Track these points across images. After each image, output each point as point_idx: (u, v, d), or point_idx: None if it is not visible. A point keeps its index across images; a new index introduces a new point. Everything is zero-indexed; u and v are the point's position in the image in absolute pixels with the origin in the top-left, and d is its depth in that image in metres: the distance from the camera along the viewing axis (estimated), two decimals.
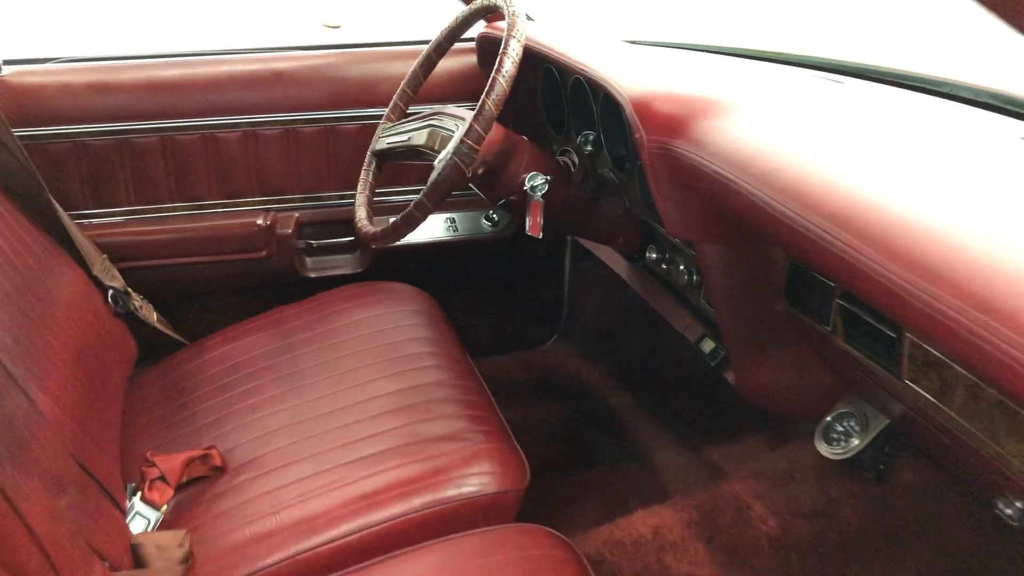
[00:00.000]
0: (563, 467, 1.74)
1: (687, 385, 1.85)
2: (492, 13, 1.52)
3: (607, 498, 1.62)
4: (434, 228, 1.94)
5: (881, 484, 1.33)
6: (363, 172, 1.58)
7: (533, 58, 1.58)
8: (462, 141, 1.29)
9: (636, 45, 1.71)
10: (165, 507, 1.28)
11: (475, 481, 1.24)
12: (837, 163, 0.91)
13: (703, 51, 1.58)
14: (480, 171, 1.44)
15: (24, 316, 1.30)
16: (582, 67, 1.40)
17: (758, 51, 1.48)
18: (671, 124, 1.13)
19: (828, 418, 1.20)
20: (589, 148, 1.54)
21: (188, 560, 1.16)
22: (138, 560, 1.14)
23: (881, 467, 1.31)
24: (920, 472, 1.34)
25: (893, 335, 0.92)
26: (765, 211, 0.93)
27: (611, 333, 2.09)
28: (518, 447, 1.33)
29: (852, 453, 1.16)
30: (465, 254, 2.02)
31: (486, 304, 2.10)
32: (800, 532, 1.34)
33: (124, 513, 1.23)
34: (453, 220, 1.96)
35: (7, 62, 1.72)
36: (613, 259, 1.79)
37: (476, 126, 1.29)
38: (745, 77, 1.34)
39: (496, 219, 1.94)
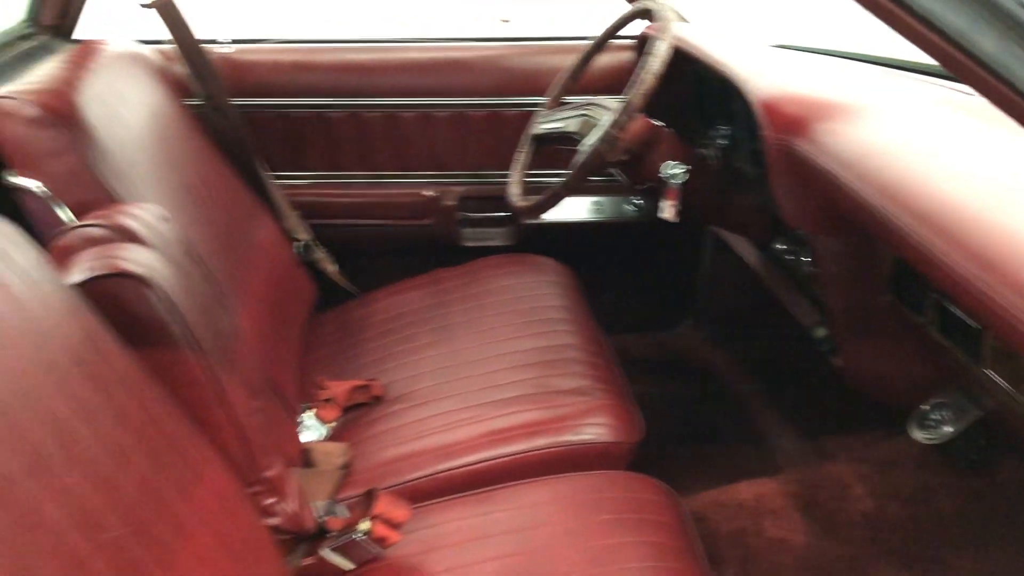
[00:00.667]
0: (679, 438, 1.88)
1: (805, 375, 1.94)
2: (647, 16, 1.67)
3: (716, 468, 1.74)
4: (580, 209, 2.11)
5: (974, 474, 1.40)
6: (520, 153, 1.77)
7: (683, 57, 1.72)
8: (608, 129, 1.45)
9: (782, 49, 1.81)
10: (332, 424, 1.53)
11: (592, 430, 1.41)
12: (933, 167, 1.01)
13: (844, 58, 1.66)
14: (624, 157, 1.60)
15: (233, 255, 1.57)
16: (724, 68, 1.53)
17: (898, 61, 1.56)
18: (794, 124, 1.25)
19: (925, 406, 1.29)
20: (724, 142, 1.66)
21: (347, 468, 1.39)
22: (307, 462, 1.38)
23: (973, 458, 1.38)
24: (1018, 469, 1.39)
25: (977, 326, 1.02)
26: (865, 207, 1.04)
27: (741, 321, 2.20)
28: (635, 406, 1.48)
29: (943, 440, 1.24)
30: (607, 235, 2.18)
31: (623, 284, 2.25)
32: (894, 514, 1.43)
33: (297, 424, 1.48)
34: (600, 203, 2.12)
35: (233, 41, 2.02)
36: (745, 249, 1.90)
37: (622, 116, 1.44)
38: (873, 84, 1.43)
39: (640, 205, 2.08)
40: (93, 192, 1.33)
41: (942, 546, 1.39)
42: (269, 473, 1.19)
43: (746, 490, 1.55)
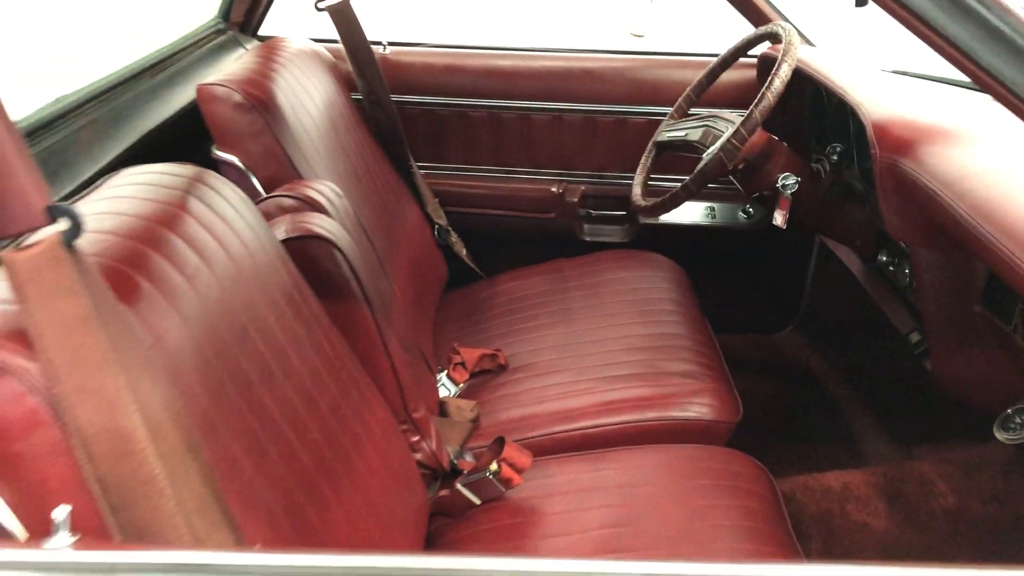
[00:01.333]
0: (774, 430, 2.01)
1: (897, 381, 2.04)
2: (774, 39, 1.81)
3: (806, 459, 1.87)
4: (695, 213, 2.26)
5: None
6: (644, 158, 1.93)
7: (803, 78, 1.86)
8: (729, 140, 1.61)
9: (895, 75, 1.92)
10: (462, 385, 1.73)
11: (696, 408, 1.57)
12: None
13: (952, 85, 1.77)
14: (740, 166, 1.75)
15: (386, 232, 1.80)
16: (841, 91, 1.66)
17: None
18: (902, 145, 1.38)
19: (1009, 410, 1.39)
20: (836, 158, 1.79)
21: (475, 422, 1.59)
22: (443, 413, 1.59)
23: None
24: None
25: None
26: (960, 223, 1.17)
27: (841, 328, 2.31)
28: (736, 391, 1.63)
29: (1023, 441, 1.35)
30: (719, 239, 2.32)
31: (731, 286, 2.39)
32: (975, 512, 1.53)
33: (436, 380, 1.69)
34: (713, 208, 2.26)
35: (390, 43, 2.26)
36: (851, 260, 2.02)
37: (743, 129, 1.60)
38: (976, 111, 1.53)
39: (752, 213, 2.22)
40: (282, 169, 1.57)
41: (1022, 547, 1.49)
42: (416, 415, 1.39)
43: (834, 479, 1.68)
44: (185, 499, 0.70)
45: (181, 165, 1.13)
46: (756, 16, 2.06)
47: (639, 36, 2.20)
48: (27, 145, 0.69)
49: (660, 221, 2.21)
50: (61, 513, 0.65)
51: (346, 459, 1.08)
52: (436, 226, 2.14)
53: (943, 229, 1.28)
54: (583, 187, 2.30)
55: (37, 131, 1.44)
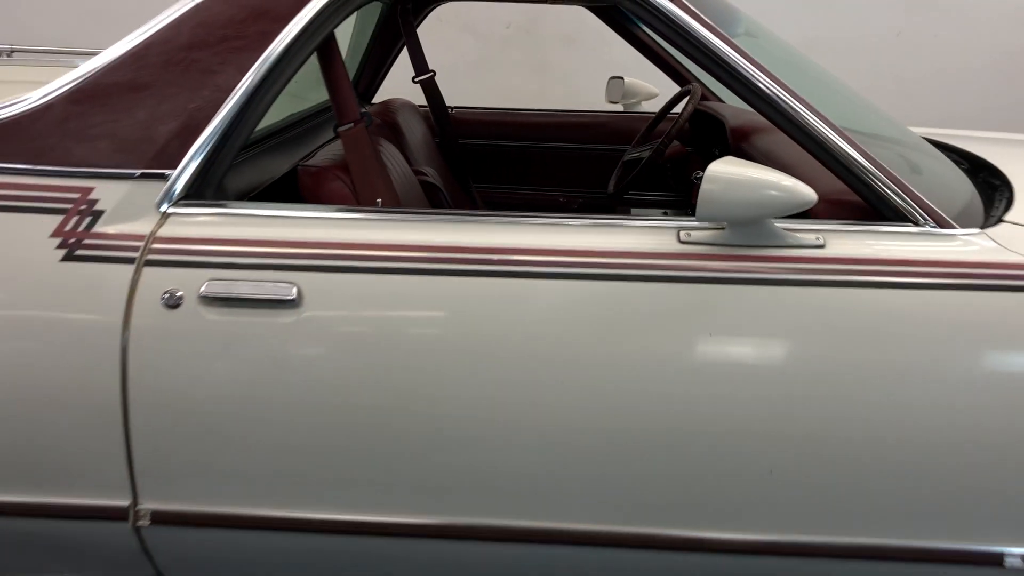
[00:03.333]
0: None
1: None
2: (689, 94, 3.06)
3: None
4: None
5: None
6: (616, 170, 3.15)
7: (706, 115, 3.07)
8: (658, 147, 2.82)
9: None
10: None
11: None
12: None
13: None
14: (669, 165, 2.96)
15: None
16: (722, 116, 2.88)
17: None
18: (743, 136, 2.58)
19: None
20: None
21: None
22: None
23: None
24: None
25: None
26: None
27: None
28: None
29: None
30: None
31: None
32: None
33: None
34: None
35: (455, 107, 3.53)
36: None
37: (665, 139, 2.81)
38: None
39: (668, 214, 3.42)
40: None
41: None
42: None
43: None
44: None
45: None
46: (681, 78, 3.29)
47: (615, 103, 3.45)
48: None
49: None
50: None
51: None
52: None
53: None
54: (579, 199, 3.50)
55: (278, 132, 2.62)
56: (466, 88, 3.63)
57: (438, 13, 3.33)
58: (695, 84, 2.94)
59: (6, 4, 4.94)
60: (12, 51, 3.38)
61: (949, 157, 2.42)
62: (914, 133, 2.49)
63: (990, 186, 2.21)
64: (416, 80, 3.17)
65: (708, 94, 3.24)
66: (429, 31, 3.29)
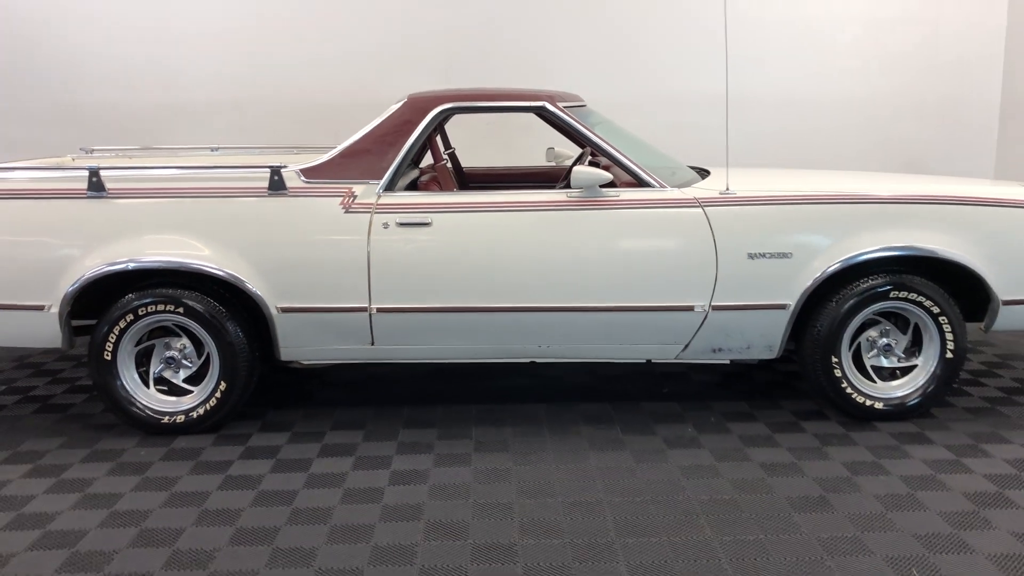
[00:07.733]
0: None
1: None
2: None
3: None
4: None
5: None
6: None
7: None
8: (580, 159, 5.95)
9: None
10: None
11: None
12: None
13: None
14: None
15: None
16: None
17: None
18: None
19: None
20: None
21: None
22: None
23: None
24: None
25: None
26: None
27: None
28: None
29: None
30: None
31: None
32: None
33: None
34: None
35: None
36: None
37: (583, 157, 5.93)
38: None
39: None
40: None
41: None
42: None
43: None
44: None
45: None
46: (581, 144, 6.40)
47: (551, 162, 6.59)
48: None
49: None
50: None
51: None
52: None
53: None
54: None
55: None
56: (466, 157, 6.75)
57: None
58: (586, 148, 6.05)
59: (203, 118, 8.17)
60: (217, 147, 6.61)
61: (694, 169, 5.62)
62: (669, 156, 5.68)
63: (703, 177, 5.38)
64: (446, 151, 6.29)
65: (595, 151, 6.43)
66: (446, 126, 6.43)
